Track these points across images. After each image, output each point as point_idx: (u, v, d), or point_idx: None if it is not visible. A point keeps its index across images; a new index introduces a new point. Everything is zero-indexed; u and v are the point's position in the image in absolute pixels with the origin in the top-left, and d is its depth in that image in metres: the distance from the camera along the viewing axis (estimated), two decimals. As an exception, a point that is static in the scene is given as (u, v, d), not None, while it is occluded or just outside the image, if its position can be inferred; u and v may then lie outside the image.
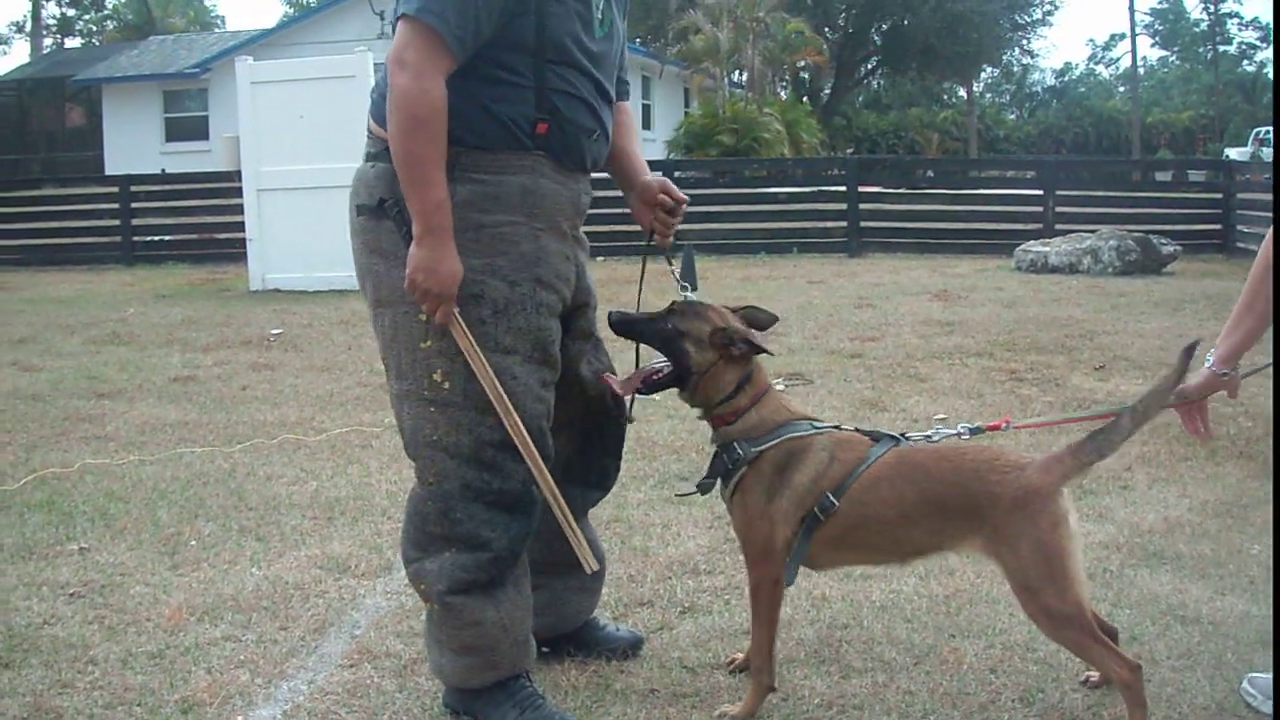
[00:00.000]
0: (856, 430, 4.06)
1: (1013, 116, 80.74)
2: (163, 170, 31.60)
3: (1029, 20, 62.92)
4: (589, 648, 4.47)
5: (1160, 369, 9.76)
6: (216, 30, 60.19)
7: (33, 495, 6.76)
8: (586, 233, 4.13)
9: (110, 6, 70.33)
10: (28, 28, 70.06)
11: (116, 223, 22.87)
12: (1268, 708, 3.93)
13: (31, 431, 8.40)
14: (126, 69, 43.38)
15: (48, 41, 68.07)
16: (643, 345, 4.14)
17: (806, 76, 55.79)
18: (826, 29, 54.76)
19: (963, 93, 68.54)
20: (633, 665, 4.42)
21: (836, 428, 4.02)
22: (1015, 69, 75.43)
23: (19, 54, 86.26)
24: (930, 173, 31.78)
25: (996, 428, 4.40)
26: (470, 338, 3.66)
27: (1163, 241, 18.66)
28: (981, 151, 60.12)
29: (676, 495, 6.12)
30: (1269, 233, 3.77)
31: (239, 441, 7.95)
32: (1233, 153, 50.71)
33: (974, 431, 4.25)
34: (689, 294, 4.22)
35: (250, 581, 5.34)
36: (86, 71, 44.99)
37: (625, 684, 4.27)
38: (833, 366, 10.37)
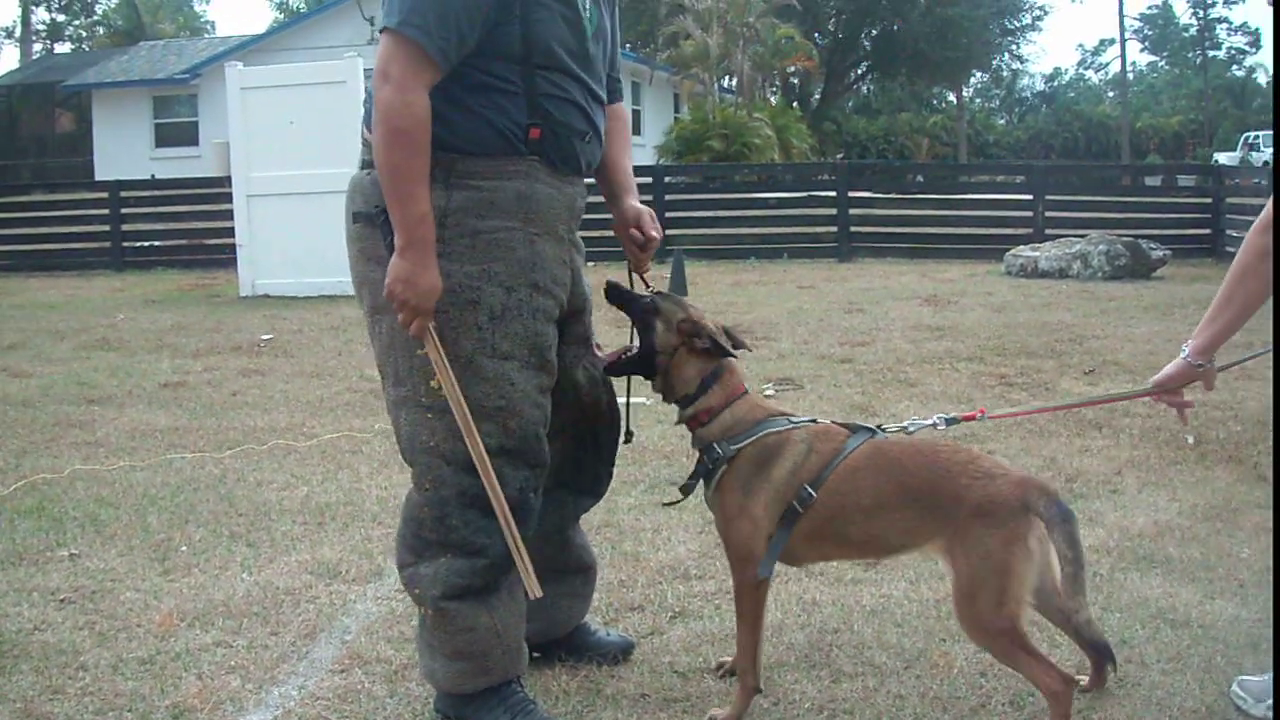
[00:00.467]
0: (833, 423, 4.07)
1: (1002, 121, 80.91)
2: (153, 176, 31.56)
3: (1018, 25, 63.11)
4: (580, 653, 4.47)
5: (1149, 373, 9.80)
6: (206, 36, 60.25)
7: (23, 501, 6.75)
8: (583, 237, 4.13)
9: (100, 12, 70.27)
10: (17, 33, 70.01)
11: (106, 228, 22.88)
12: (1258, 711, 3.94)
13: (21, 437, 8.39)
14: (116, 74, 43.29)
15: (37, 47, 68.06)
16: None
17: (796, 82, 55.79)
18: (816, 34, 54.75)
19: (952, 98, 68.67)
20: (624, 670, 4.42)
21: (813, 421, 4.04)
22: (1005, 74, 75.60)
23: (8, 59, 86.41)
24: (920, 178, 31.90)
25: (972, 418, 4.45)
26: (441, 352, 3.65)
27: (1152, 246, 18.69)
28: (971, 157, 60.19)
29: (663, 503, 6.12)
30: (1249, 232, 3.78)
31: (229, 447, 7.94)
32: (1222, 157, 50.87)
33: (949, 421, 4.28)
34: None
35: (241, 587, 5.33)
36: (76, 77, 44.93)
37: (616, 689, 4.27)
38: (823, 371, 10.38)
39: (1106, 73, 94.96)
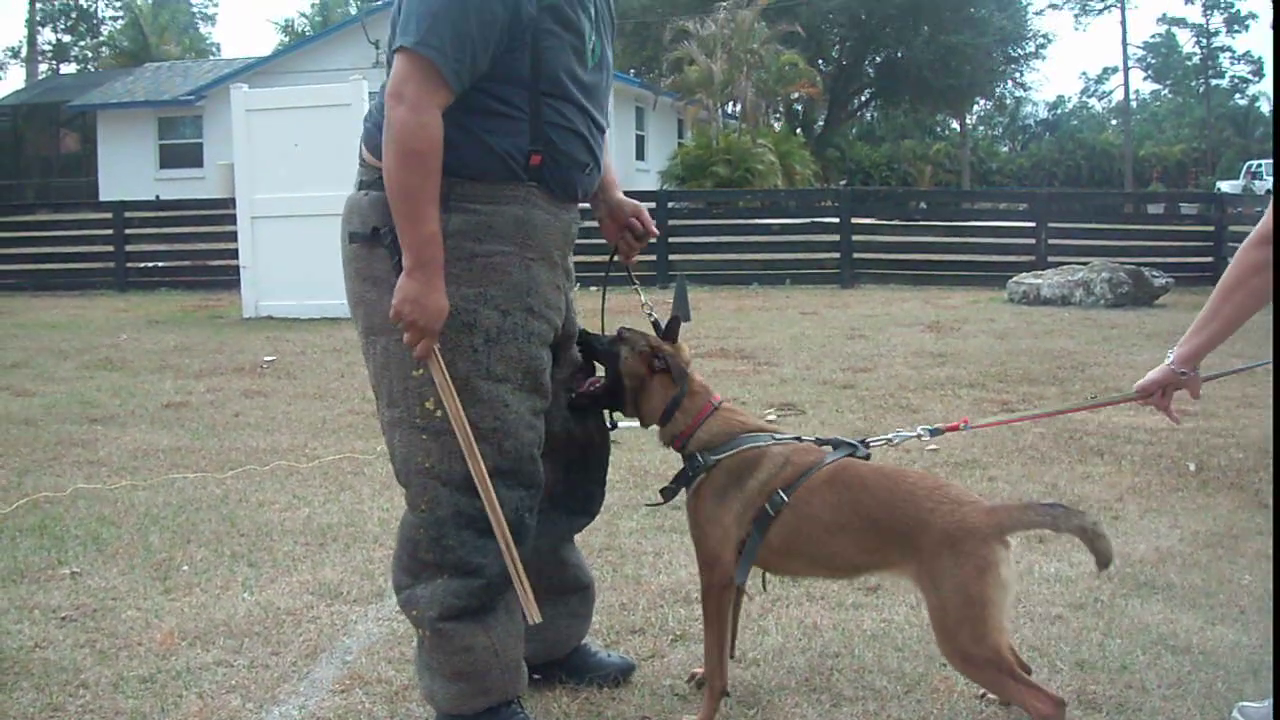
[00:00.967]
0: (816, 440, 4.12)
1: (1005, 149, 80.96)
2: (157, 197, 31.61)
3: (1022, 53, 63.21)
4: (580, 674, 4.47)
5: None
6: (211, 58, 60.26)
7: (25, 519, 6.75)
8: (576, 263, 4.15)
9: (106, 33, 70.59)
10: (23, 53, 70.31)
11: (110, 249, 22.91)
12: (1258, 737, 3.94)
13: (24, 456, 8.40)
14: (121, 95, 43.47)
15: (43, 67, 68.30)
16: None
17: (800, 108, 55.97)
18: (820, 61, 54.90)
19: (956, 125, 68.79)
20: (624, 692, 4.42)
21: (797, 439, 4.08)
22: (1008, 102, 75.68)
23: (14, 79, 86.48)
24: (923, 205, 31.93)
25: (955, 428, 4.44)
26: (445, 373, 3.66)
27: (1155, 274, 18.73)
28: (974, 184, 60.22)
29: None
30: (1242, 246, 3.81)
31: (231, 467, 7.95)
32: (1225, 186, 50.94)
33: (933, 433, 4.31)
34: (654, 315, 4.36)
35: (242, 607, 5.33)
36: (81, 98, 45.11)
37: (616, 711, 4.27)
38: (825, 397, 10.38)
39: (1110, 101, 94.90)
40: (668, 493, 4.18)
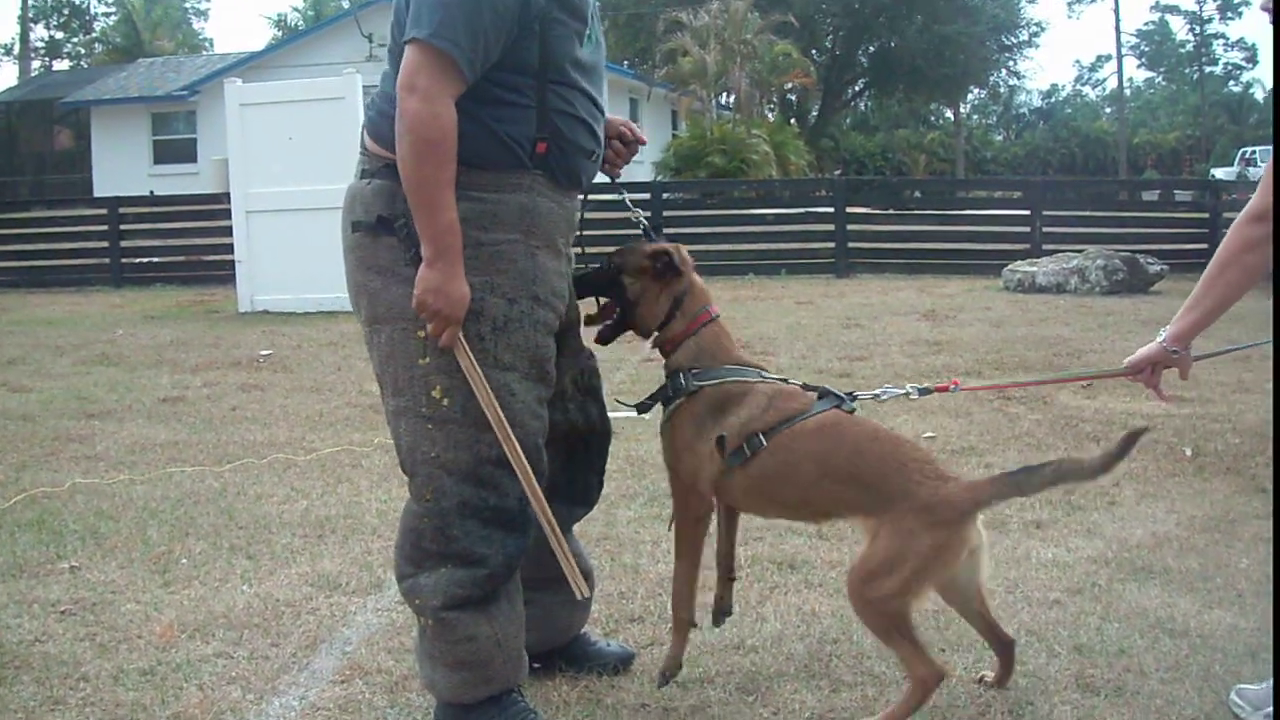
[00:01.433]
0: (805, 386, 4.13)
1: (1000, 138, 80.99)
2: (151, 192, 31.56)
3: (1015, 42, 63.09)
4: (580, 663, 4.48)
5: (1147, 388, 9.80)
6: (205, 53, 60.20)
7: (23, 514, 6.76)
8: (574, 253, 4.16)
9: (98, 29, 70.42)
10: (16, 50, 70.16)
11: (105, 244, 22.91)
12: (1256, 719, 3.95)
13: (21, 451, 8.40)
14: (115, 91, 43.33)
15: (36, 64, 68.16)
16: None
17: (794, 98, 55.85)
18: (814, 51, 54.81)
19: (950, 114, 68.72)
20: (623, 680, 4.43)
21: (784, 381, 4.10)
22: (1002, 90, 75.56)
23: (7, 76, 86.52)
24: (918, 193, 31.93)
25: (945, 389, 4.48)
26: (474, 360, 3.67)
27: (1149, 261, 18.75)
28: (969, 173, 60.23)
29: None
30: (1234, 223, 3.83)
31: (229, 461, 7.96)
32: (1219, 173, 50.95)
33: (922, 392, 4.35)
34: (643, 222, 4.36)
35: (241, 599, 5.34)
36: (75, 94, 44.96)
37: (616, 699, 4.28)
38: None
39: (1103, 89, 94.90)
40: (643, 407, 4.22)
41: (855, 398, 4.12)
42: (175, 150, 41.54)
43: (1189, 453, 7.72)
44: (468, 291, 3.60)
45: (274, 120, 16.53)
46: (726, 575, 4.48)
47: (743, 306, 16.88)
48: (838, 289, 19.46)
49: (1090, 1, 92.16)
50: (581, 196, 4.05)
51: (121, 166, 40.20)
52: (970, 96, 72.48)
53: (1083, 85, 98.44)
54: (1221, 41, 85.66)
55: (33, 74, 63.39)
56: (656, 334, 4.19)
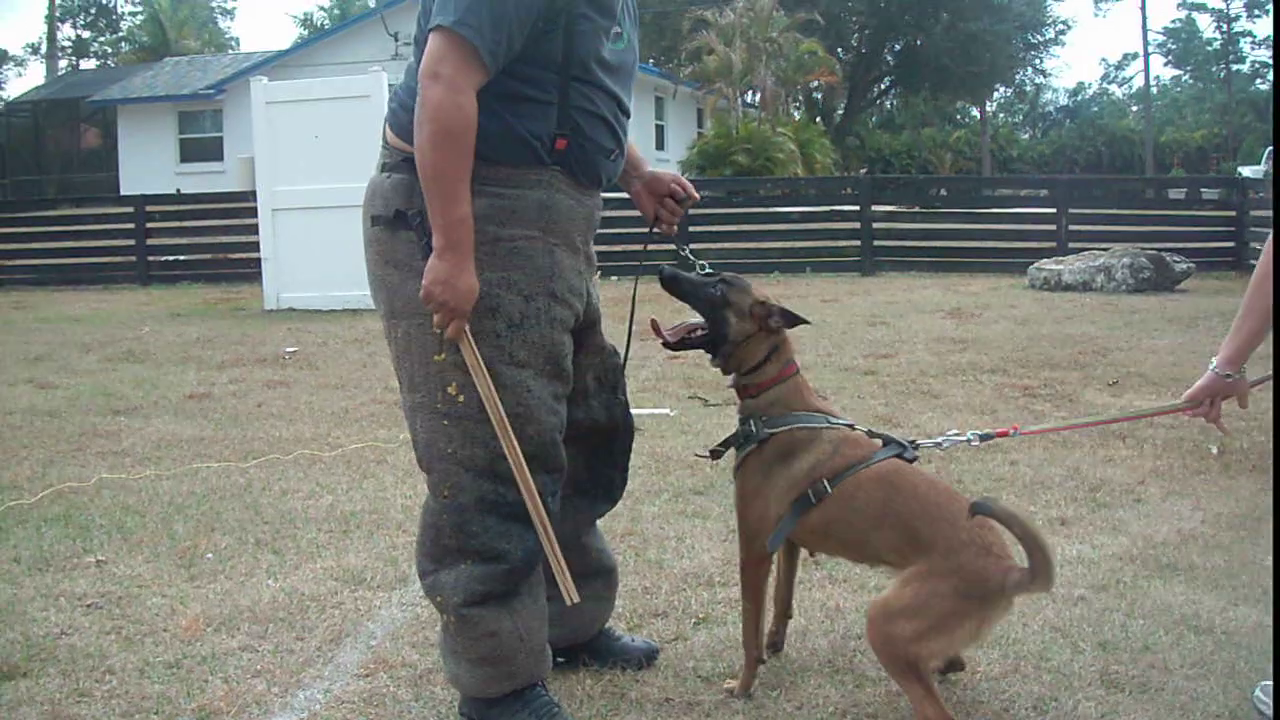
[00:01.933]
0: (870, 432, 4.14)
1: (1026, 136, 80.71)
2: (178, 190, 31.67)
3: (1042, 40, 62.98)
4: (604, 658, 4.49)
5: (1173, 385, 9.79)
6: (231, 52, 60.37)
7: (50, 509, 6.79)
8: (598, 252, 4.15)
9: (125, 28, 70.76)
10: (43, 49, 70.48)
11: (131, 243, 22.93)
12: (1281, 716, 3.94)
13: (48, 447, 8.44)
14: (141, 90, 43.49)
15: (63, 63, 68.41)
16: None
17: (820, 97, 55.76)
18: (839, 49, 54.74)
19: (976, 113, 68.54)
20: (648, 675, 4.43)
21: (851, 426, 4.10)
22: (1028, 89, 75.35)
23: (34, 76, 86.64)
24: (944, 192, 31.82)
25: (1005, 434, 4.46)
26: (478, 355, 3.67)
27: (1176, 259, 18.66)
28: (995, 172, 59.96)
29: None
30: (1269, 239, 3.80)
31: (254, 457, 7.98)
32: (1246, 171, 50.63)
33: (983, 438, 4.32)
34: (705, 267, 4.31)
35: (266, 593, 5.36)
36: (101, 93, 45.15)
37: (640, 693, 4.28)
38: (846, 383, 10.38)
39: (1130, 87, 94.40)
40: (716, 453, 4.27)
41: (917, 446, 4.13)
42: (201, 149, 41.68)
43: (1215, 450, 7.70)
44: (476, 285, 3.59)
45: (300, 119, 16.56)
46: (784, 612, 4.54)
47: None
48: (863, 287, 19.41)
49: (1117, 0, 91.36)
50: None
51: (148, 165, 40.36)
52: (996, 95, 72.37)
53: (1109, 83, 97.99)
54: (1249, 40, 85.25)
55: (60, 73, 63.66)
56: (739, 375, 4.20)
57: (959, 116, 72.55)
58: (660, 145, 41.84)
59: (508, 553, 3.81)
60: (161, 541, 6.17)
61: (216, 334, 14.69)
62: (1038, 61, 65.77)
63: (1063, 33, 65.30)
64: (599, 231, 4.09)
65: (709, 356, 4.27)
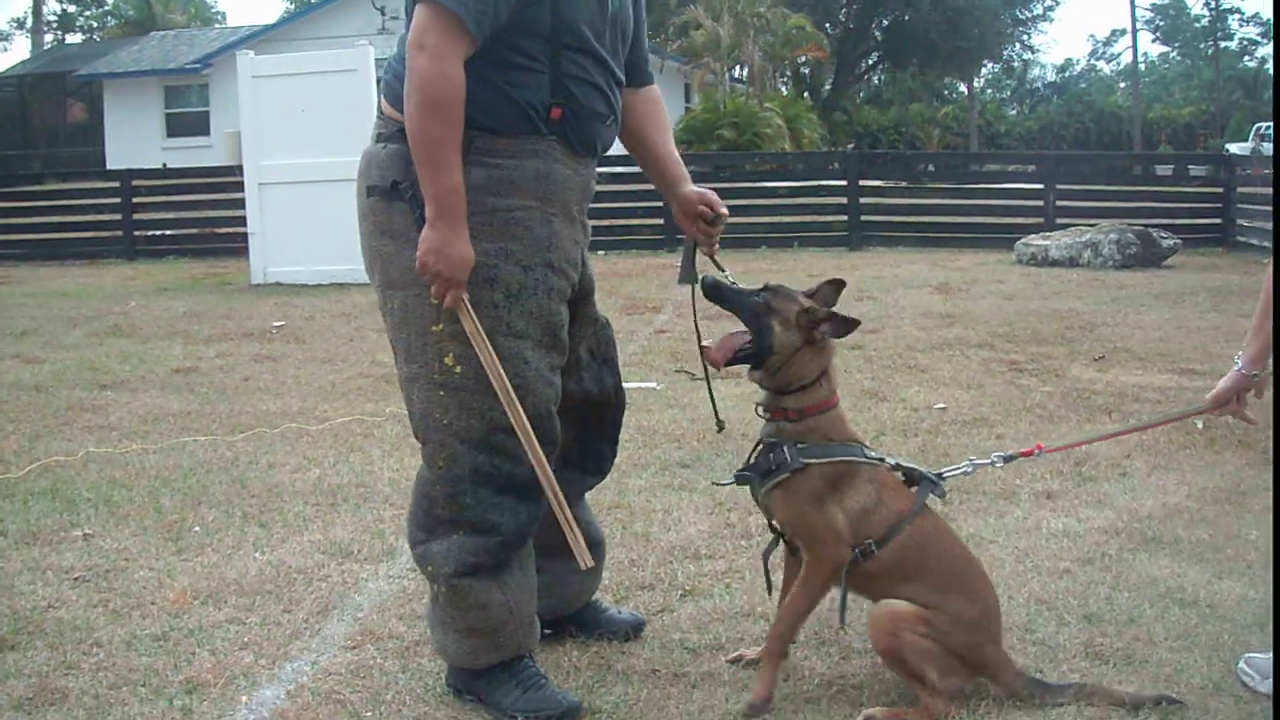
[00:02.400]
0: (898, 466, 4.07)
1: (1013, 112, 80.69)
2: (164, 165, 31.57)
3: (1030, 16, 63.06)
4: (591, 629, 4.50)
5: (1159, 360, 9.82)
6: (217, 26, 60.18)
7: (37, 483, 6.79)
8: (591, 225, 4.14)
9: (111, 3, 70.29)
10: (29, 24, 70.07)
11: (118, 217, 22.82)
12: (1264, 687, 3.96)
13: (35, 421, 8.43)
14: (127, 65, 43.37)
15: (49, 38, 68.10)
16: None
17: (807, 72, 55.76)
18: (827, 24, 54.70)
19: (963, 88, 68.54)
20: (634, 647, 4.45)
21: (881, 460, 4.01)
22: (1016, 65, 75.38)
23: (20, 50, 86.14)
24: (931, 167, 31.78)
25: (1030, 453, 4.42)
26: (477, 323, 3.66)
27: (1163, 235, 18.67)
28: (982, 147, 59.92)
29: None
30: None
31: (241, 431, 7.97)
32: (1233, 148, 50.67)
33: (1007, 459, 4.31)
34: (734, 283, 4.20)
35: (253, 566, 5.37)
36: (88, 67, 44.99)
37: (627, 665, 4.30)
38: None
39: (1118, 63, 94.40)
40: (741, 478, 4.09)
41: (943, 478, 4.10)
42: (188, 123, 41.59)
43: (1200, 425, 7.70)
44: (470, 254, 3.60)
45: (286, 93, 16.48)
46: None
47: (755, 280, 16.80)
48: (850, 262, 19.38)
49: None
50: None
51: (134, 139, 40.26)
52: (984, 71, 72.39)
53: (1097, 60, 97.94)
54: (1237, 16, 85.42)
55: (45, 47, 63.37)
56: (780, 394, 4.02)
57: (946, 92, 72.56)
58: (648, 120, 41.70)
59: (500, 525, 3.82)
60: (148, 515, 6.17)
61: (203, 308, 14.65)
62: (1025, 37, 65.91)
63: (1051, 8, 65.33)
64: (590, 205, 4.07)
65: (750, 369, 4.06)
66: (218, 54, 39.98)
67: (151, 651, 4.47)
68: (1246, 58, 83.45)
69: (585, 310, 4.15)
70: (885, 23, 59.31)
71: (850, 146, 49.82)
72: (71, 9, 71.85)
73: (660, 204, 21.96)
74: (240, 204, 17.79)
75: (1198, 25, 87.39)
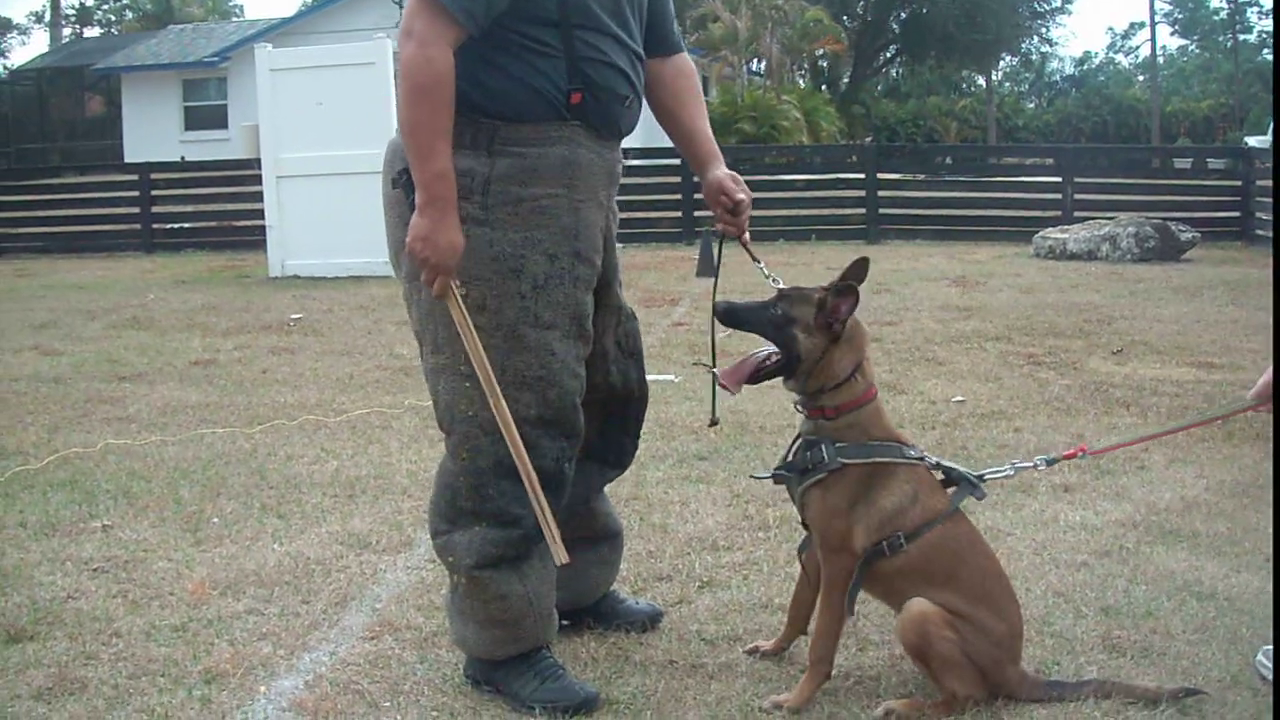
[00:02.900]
0: (939, 464, 4.01)
1: (1031, 105, 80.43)
2: (182, 158, 31.62)
3: (1048, 8, 62.74)
4: (609, 621, 4.50)
5: (1178, 353, 9.80)
6: (235, 19, 60.29)
7: (56, 474, 6.81)
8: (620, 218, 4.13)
9: (129, -4, 70.44)
10: (47, 18, 70.21)
11: (136, 210, 22.90)
12: (1283, 680, 3.95)
13: (54, 413, 8.45)
14: (145, 58, 43.38)
15: (66, 31, 68.23)
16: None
17: (825, 65, 55.63)
18: (845, 17, 54.52)
19: (981, 81, 68.34)
20: (651, 638, 4.45)
21: (921, 459, 3.95)
22: (1034, 58, 75.12)
23: (38, 44, 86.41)
24: (949, 160, 31.72)
25: (1073, 456, 4.38)
26: (465, 311, 3.65)
27: (1181, 228, 18.62)
28: (1000, 141, 59.78)
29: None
30: None
31: (260, 423, 7.99)
32: (1253, 141, 50.47)
33: (1049, 462, 4.29)
34: (777, 282, 4.18)
35: (272, 557, 5.38)
36: (106, 61, 45.03)
37: (644, 656, 4.30)
38: (851, 350, 10.36)
39: (1136, 56, 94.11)
40: (778, 477, 4.05)
41: (984, 479, 4.04)
42: (206, 116, 41.60)
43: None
44: (459, 240, 3.58)
45: (304, 86, 16.52)
46: (801, 628, 4.32)
47: (773, 272, 16.81)
48: (868, 255, 19.35)
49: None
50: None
51: (152, 133, 40.28)
52: (1002, 64, 72.08)
53: (1115, 53, 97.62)
54: (1256, 9, 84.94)
55: (64, 41, 63.48)
56: (816, 394, 3.93)
57: (964, 85, 72.29)
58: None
59: (522, 517, 3.81)
60: (167, 506, 6.19)
61: (221, 301, 14.69)
62: (1044, 30, 65.56)
63: (1069, 1, 65.15)
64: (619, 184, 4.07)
65: (784, 380, 3.97)
66: (236, 47, 40.00)
67: (170, 642, 4.49)
68: (1265, 50, 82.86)
69: (608, 299, 4.12)
70: (903, 15, 59.11)
71: (868, 139, 49.74)
72: (90, 2, 71.95)
73: (679, 196, 22.09)
74: (258, 197, 17.84)
75: (1216, 18, 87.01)
